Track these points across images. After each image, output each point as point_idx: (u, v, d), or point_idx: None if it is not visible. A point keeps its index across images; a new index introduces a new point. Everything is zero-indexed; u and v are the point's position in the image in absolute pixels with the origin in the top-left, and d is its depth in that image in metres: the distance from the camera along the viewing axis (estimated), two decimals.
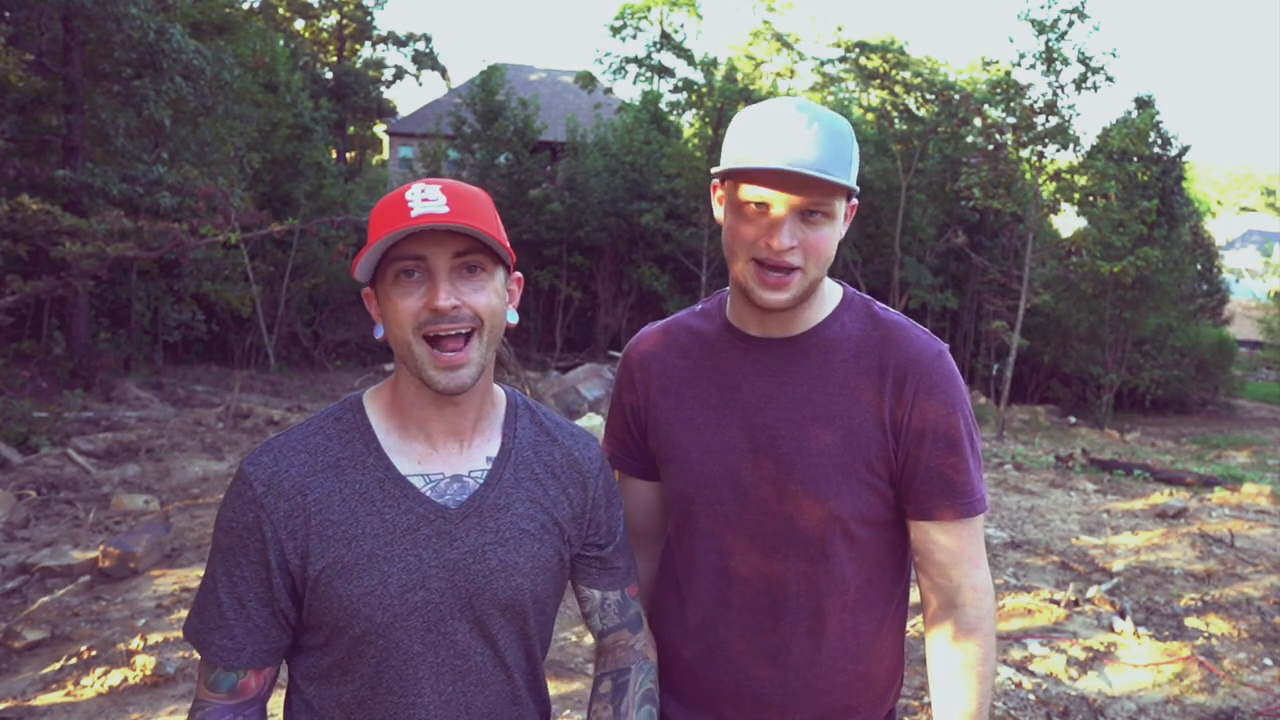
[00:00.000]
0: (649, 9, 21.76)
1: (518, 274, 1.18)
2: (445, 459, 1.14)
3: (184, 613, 3.99)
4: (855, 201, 1.25)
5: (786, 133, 1.15)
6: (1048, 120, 13.54)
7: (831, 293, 1.32)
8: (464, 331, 1.06)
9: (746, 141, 1.18)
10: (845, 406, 1.25)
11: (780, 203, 1.16)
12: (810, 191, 1.15)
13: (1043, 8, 13.24)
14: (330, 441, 1.11)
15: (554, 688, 3.51)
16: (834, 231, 1.20)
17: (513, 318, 1.15)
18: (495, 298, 1.09)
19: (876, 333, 1.28)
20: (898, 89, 18.74)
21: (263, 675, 1.12)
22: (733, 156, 1.20)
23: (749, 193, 1.17)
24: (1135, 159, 14.74)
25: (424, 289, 1.05)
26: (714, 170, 1.22)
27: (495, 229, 1.08)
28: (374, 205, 1.11)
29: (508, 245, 1.09)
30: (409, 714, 1.11)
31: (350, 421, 1.13)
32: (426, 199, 1.04)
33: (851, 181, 1.18)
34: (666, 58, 21.91)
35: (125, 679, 3.47)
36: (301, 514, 1.06)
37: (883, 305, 1.34)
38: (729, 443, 1.29)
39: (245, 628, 1.08)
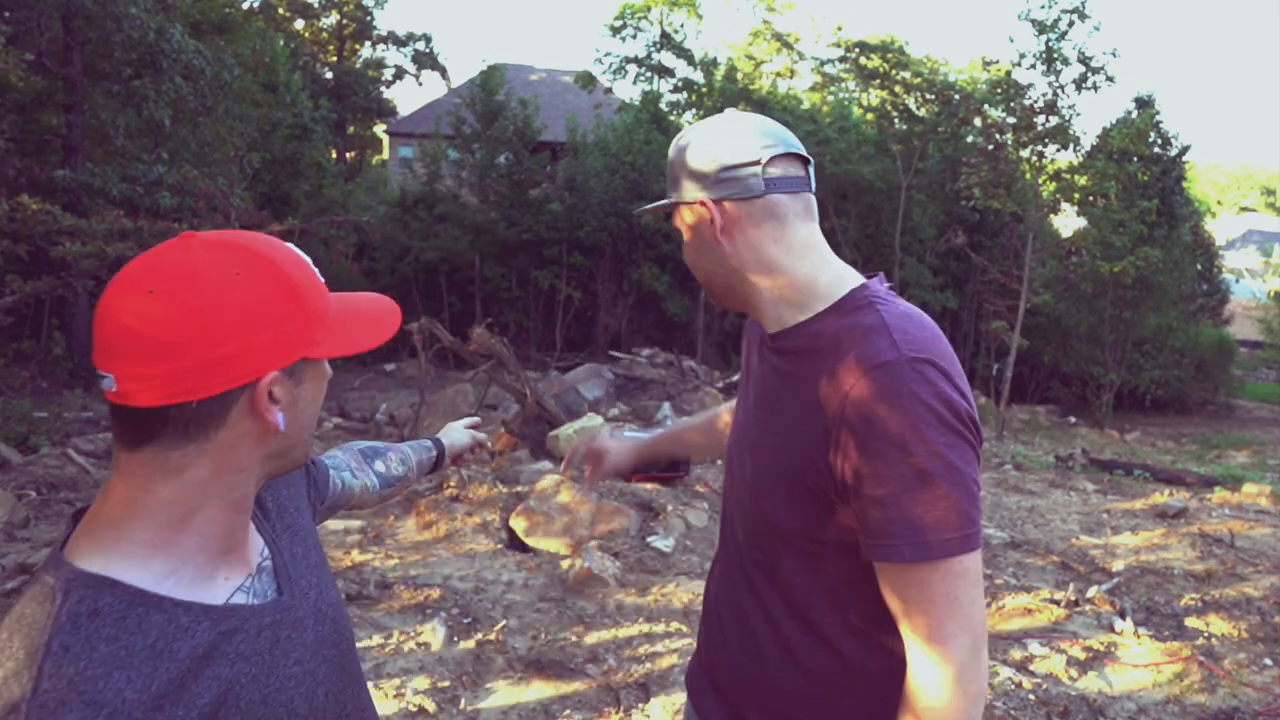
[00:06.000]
0: (649, 9, 21.77)
1: None
2: (242, 559, 0.96)
3: None
4: (701, 199, 1.22)
5: None
6: (1048, 120, 13.55)
7: (822, 292, 1.21)
8: None
9: None
10: (797, 414, 1.17)
11: None
12: (667, 217, 1.31)
13: (1043, 8, 13.25)
14: (119, 640, 0.81)
15: (554, 688, 3.52)
16: (687, 242, 1.28)
17: None
18: None
19: (840, 338, 1.15)
20: (898, 89, 18.74)
21: None
22: None
23: None
24: (1135, 159, 14.75)
25: None
26: None
27: None
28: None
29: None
30: None
31: (119, 604, 0.82)
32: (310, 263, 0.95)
33: (669, 196, 1.28)
34: (666, 58, 21.93)
35: None
36: None
37: (884, 303, 1.18)
38: (733, 432, 1.36)
39: None
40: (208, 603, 0.88)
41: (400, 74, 33.04)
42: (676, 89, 21.14)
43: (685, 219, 1.27)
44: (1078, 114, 13.67)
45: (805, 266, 1.22)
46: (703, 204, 1.22)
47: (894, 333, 1.12)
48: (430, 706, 3.27)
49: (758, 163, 1.19)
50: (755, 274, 1.23)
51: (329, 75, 28.82)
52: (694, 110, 19.57)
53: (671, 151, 1.27)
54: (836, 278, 1.23)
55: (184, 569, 0.88)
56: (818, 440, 1.12)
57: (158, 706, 0.80)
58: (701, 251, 1.26)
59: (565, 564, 4.84)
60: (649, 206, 1.34)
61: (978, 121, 15.63)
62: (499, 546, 5.19)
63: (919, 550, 1.05)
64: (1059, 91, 13.45)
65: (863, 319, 1.16)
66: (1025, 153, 13.81)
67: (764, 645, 1.27)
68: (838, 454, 1.10)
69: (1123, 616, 4.50)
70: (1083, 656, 4.01)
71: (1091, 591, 4.84)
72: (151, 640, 0.82)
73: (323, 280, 0.93)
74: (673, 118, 21.48)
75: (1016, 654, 3.99)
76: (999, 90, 13.99)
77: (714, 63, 19.61)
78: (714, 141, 1.22)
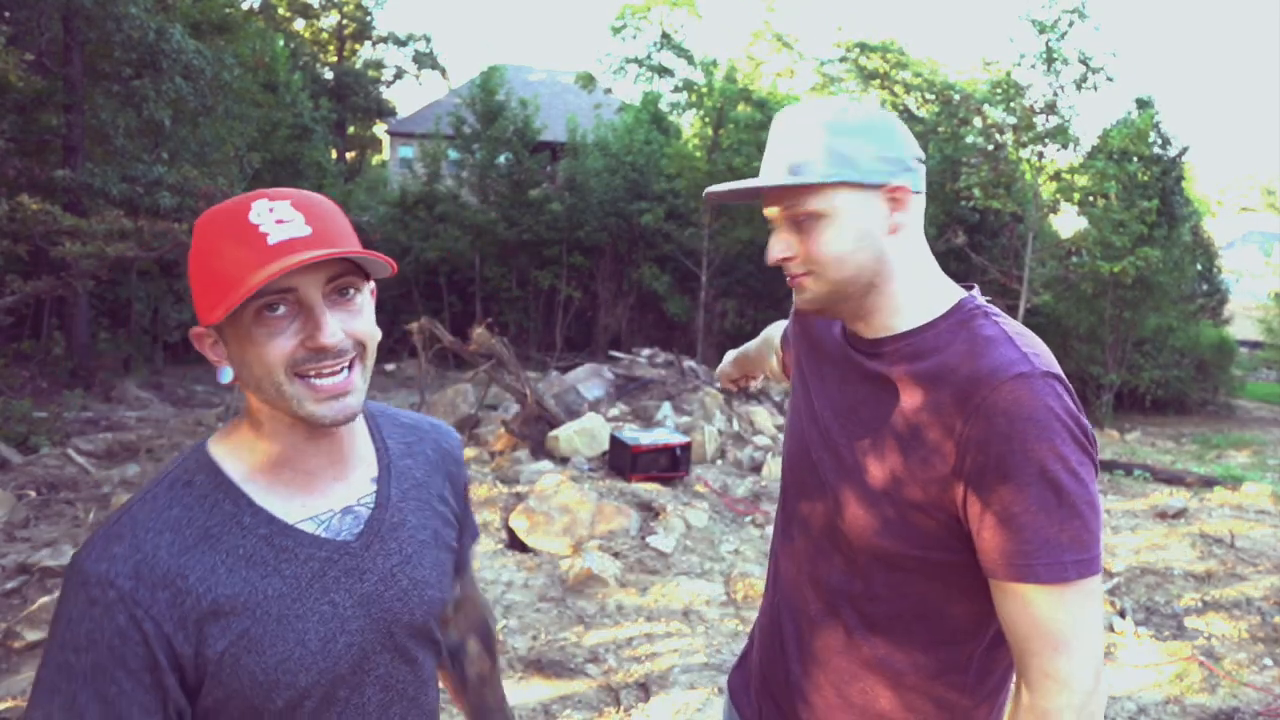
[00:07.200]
0: (649, 9, 21.76)
1: (371, 284, 1.04)
2: (328, 494, 1.03)
3: None
4: (892, 184, 1.11)
5: (770, 142, 1.14)
6: (1048, 120, 13.55)
7: (936, 299, 1.17)
8: (347, 363, 0.95)
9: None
10: (904, 426, 1.11)
11: (774, 217, 1.14)
12: (780, 200, 1.12)
13: (1043, 8, 13.27)
14: (191, 512, 0.95)
15: (554, 688, 3.51)
16: (837, 231, 1.10)
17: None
18: (371, 316, 0.99)
19: (962, 345, 1.10)
20: (898, 89, 18.74)
21: None
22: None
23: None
24: (1135, 159, 14.74)
25: (296, 324, 0.92)
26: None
27: (358, 240, 0.99)
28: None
29: (383, 256, 0.96)
30: None
31: (207, 483, 0.97)
32: (281, 220, 0.91)
33: (828, 174, 1.08)
34: (666, 57, 21.92)
35: None
36: (187, 598, 0.91)
37: (997, 316, 1.15)
38: (806, 437, 1.26)
39: None
40: (274, 514, 0.98)
41: (400, 74, 33.01)
42: (677, 89, 21.12)
43: (843, 202, 1.10)
44: (1077, 114, 13.69)
45: (926, 272, 1.18)
46: (891, 191, 1.12)
47: (1020, 346, 1.08)
48: None
49: (921, 159, 1.15)
50: (898, 275, 1.15)
51: (329, 75, 28.80)
52: (694, 110, 19.55)
53: (826, 124, 1.10)
54: (945, 286, 1.19)
55: (267, 478, 1.00)
56: (937, 454, 1.07)
57: (180, 574, 0.92)
58: (862, 244, 1.11)
59: (565, 564, 4.83)
60: (801, 180, 1.09)
61: (978, 122, 15.62)
62: (499, 546, 5.19)
63: (1056, 571, 1.01)
64: (1059, 91, 13.46)
65: (981, 329, 1.11)
66: (1025, 153, 13.82)
67: (837, 660, 1.21)
68: (963, 468, 1.05)
69: (1123, 616, 4.50)
70: None
71: None
72: (212, 526, 0.95)
73: (266, 244, 0.89)
74: (673, 118, 21.47)
75: None
76: (999, 90, 13.99)
77: (714, 63, 19.58)
78: (894, 124, 1.12)
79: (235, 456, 1.00)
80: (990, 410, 1.03)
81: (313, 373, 0.93)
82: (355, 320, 0.96)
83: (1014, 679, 1.11)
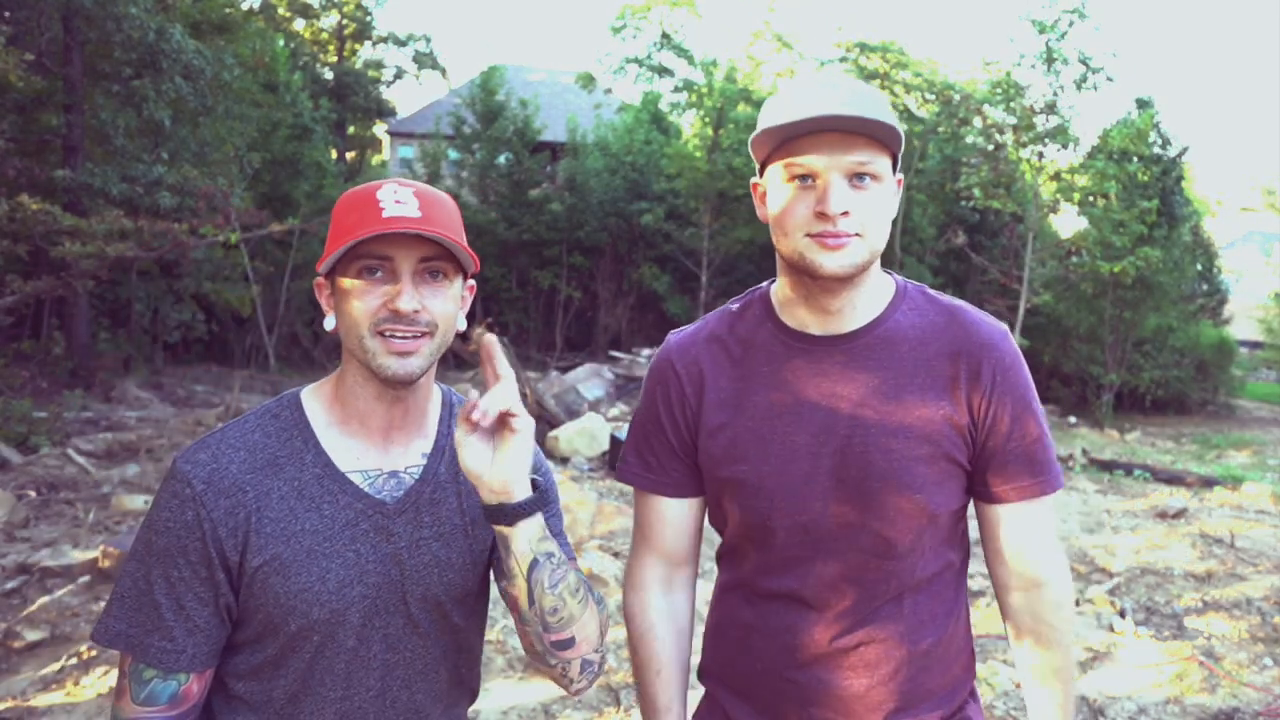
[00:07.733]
0: (649, 9, 21.75)
1: (471, 282, 1.19)
2: (383, 455, 1.15)
3: None
4: (901, 177, 1.20)
5: (818, 90, 1.12)
6: (1048, 120, 13.55)
7: (885, 284, 1.27)
8: (418, 333, 1.08)
9: (779, 108, 1.13)
10: (918, 397, 1.20)
11: (826, 167, 1.11)
12: (853, 147, 1.10)
13: (1043, 8, 13.26)
14: (269, 439, 1.11)
15: (554, 688, 3.51)
16: (886, 196, 1.15)
17: (461, 324, 1.17)
18: (452, 305, 1.12)
19: (940, 318, 1.25)
20: (898, 89, 18.73)
21: (204, 679, 1.10)
22: (767, 122, 1.15)
23: (794, 164, 1.13)
24: (1135, 159, 14.73)
25: (386, 288, 1.07)
26: (751, 139, 1.16)
27: (462, 237, 1.11)
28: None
29: (473, 254, 1.11)
30: (339, 708, 1.13)
31: (289, 419, 1.13)
32: (399, 200, 1.06)
33: (901, 140, 1.13)
34: (666, 57, 21.91)
35: None
36: (241, 510, 1.07)
37: (934, 290, 1.31)
38: (799, 451, 1.21)
39: (185, 628, 1.06)
40: (331, 459, 1.12)
41: (400, 74, 32.95)
42: (677, 89, 21.11)
43: (887, 165, 1.15)
44: (1077, 114, 13.69)
45: None
46: (899, 183, 1.21)
47: (980, 311, 1.29)
48: None
49: None
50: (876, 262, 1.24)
51: (329, 75, 28.75)
52: (694, 110, 19.55)
53: (875, 91, 1.16)
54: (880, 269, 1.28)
55: (337, 427, 1.13)
56: (960, 411, 1.21)
57: (241, 489, 1.07)
58: (890, 221, 1.18)
59: None
60: (896, 127, 1.11)
61: (978, 121, 15.62)
62: None
63: (1059, 478, 1.26)
64: (1059, 91, 13.45)
65: (942, 302, 1.28)
66: (1025, 153, 13.81)
67: (900, 643, 1.23)
68: (987, 415, 1.21)
69: (1123, 616, 4.50)
70: (1083, 656, 4.01)
71: (1091, 591, 4.84)
72: (280, 456, 1.10)
73: (380, 215, 1.05)
74: (673, 118, 21.46)
75: None
76: (999, 90, 13.99)
77: (714, 63, 19.58)
78: None
79: (318, 403, 1.15)
80: (1004, 366, 1.22)
81: (388, 332, 1.06)
82: (435, 300, 1.09)
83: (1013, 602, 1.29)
